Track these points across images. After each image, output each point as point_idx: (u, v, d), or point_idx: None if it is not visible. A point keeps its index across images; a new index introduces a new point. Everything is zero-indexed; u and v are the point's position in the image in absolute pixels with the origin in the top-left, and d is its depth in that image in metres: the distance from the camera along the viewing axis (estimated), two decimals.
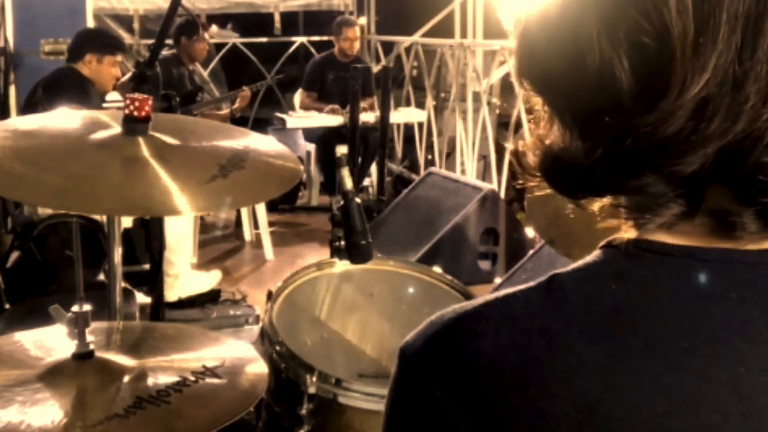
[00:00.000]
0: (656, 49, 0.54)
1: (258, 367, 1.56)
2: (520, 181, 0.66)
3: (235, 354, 1.61)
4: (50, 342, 1.55)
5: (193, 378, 1.47)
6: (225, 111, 5.71)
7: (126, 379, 1.46)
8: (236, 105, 5.68)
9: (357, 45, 6.41)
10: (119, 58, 4.22)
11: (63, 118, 1.87)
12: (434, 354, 0.60)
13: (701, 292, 0.58)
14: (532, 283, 0.61)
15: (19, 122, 1.86)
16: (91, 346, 1.47)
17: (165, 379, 1.46)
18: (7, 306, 3.36)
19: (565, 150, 0.60)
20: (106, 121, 1.77)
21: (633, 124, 0.55)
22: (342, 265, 2.15)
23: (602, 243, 0.63)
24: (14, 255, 3.76)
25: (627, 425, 0.55)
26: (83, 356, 1.46)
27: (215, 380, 1.48)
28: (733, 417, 0.54)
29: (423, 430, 0.60)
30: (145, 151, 1.66)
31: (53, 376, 1.44)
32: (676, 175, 0.56)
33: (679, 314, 0.57)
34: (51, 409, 1.35)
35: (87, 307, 1.44)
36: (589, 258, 0.62)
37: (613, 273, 0.60)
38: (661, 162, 0.56)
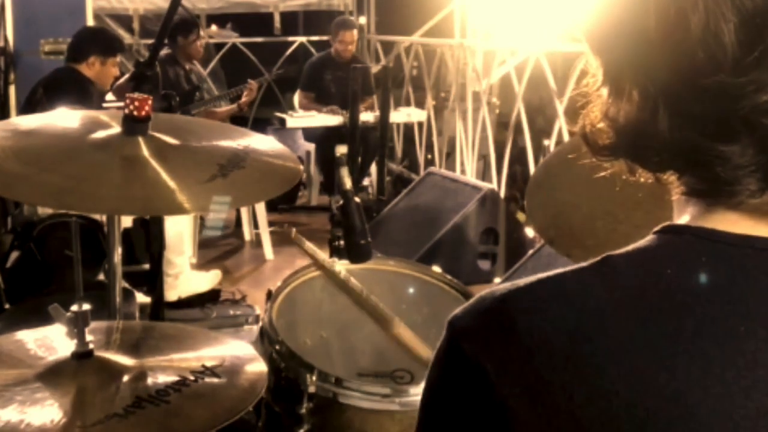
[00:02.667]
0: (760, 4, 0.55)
1: (257, 366, 1.56)
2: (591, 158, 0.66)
3: (235, 353, 1.62)
4: (50, 341, 1.55)
5: (192, 377, 1.47)
6: (231, 107, 5.69)
7: (125, 378, 1.46)
8: (244, 99, 5.65)
9: (352, 48, 6.35)
10: (119, 58, 4.22)
11: (63, 118, 1.87)
12: (484, 329, 0.61)
13: (758, 280, 0.58)
14: (584, 264, 0.61)
15: (19, 122, 1.86)
16: (91, 346, 1.47)
17: (164, 378, 1.46)
18: (7, 306, 3.36)
19: (645, 123, 0.60)
20: (106, 121, 1.78)
21: (738, 82, 0.55)
22: (342, 265, 2.15)
23: (657, 228, 0.63)
24: (14, 255, 3.76)
25: (680, 405, 0.55)
26: (83, 355, 1.46)
27: (214, 380, 1.48)
28: None
29: (467, 403, 0.60)
30: (145, 150, 1.66)
31: (53, 375, 1.44)
32: None
33: (734, 300, 0.57)
34: (50, 409, 1.35)
35: (86, 307, 1.44)
36: (644, 242, 0.62)
37: (668, 257, 0.60)
38: (760, 122, 0.56)
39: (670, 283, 0.58)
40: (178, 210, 1.61)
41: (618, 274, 0.60)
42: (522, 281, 0.62)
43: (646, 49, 0.59)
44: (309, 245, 1.86)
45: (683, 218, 0.63)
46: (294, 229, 1.90)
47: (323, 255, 1.91)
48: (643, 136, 0.61)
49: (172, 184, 1.56)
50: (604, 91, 0.65)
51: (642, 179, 0.65)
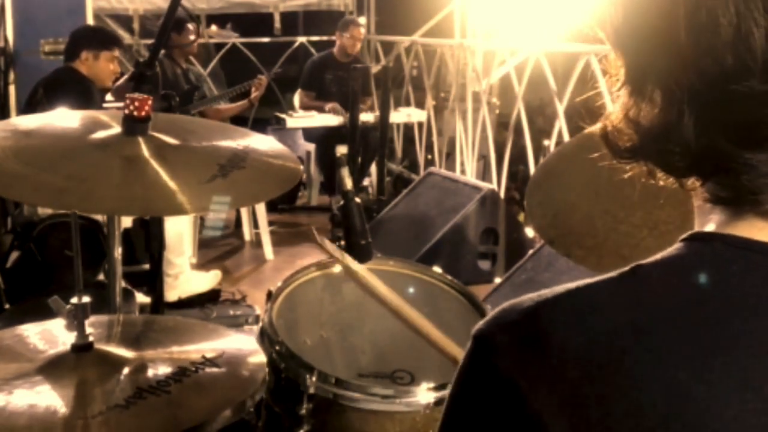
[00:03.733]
0: None
1: (257, 357, 1.57)
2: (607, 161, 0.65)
3: (234, 345, 1.62)
4: (50, 335, 1.56)
5: (192, 368, 1.48)
6: (240, 104, 5.65)
7: (126, 370, 1.46)
8: (254, 94, 5.61)
9: (359, 45, 6.42)
10: (116, 53, 4.18)
11: (63, 118, 1.87)
12: (516, 343, 0.59)
13: None
14: (613, 274, 0.60)
15: (19, 122, 1.86)
16: (91, 338, 1.47)
17: (165, 369, 1.47)
18: (7, 306, 3.36)
19: (669, 127, 0.59)
20: (106, 121, 1.78)
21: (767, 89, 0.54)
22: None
23: (684, 236, 0.62)
24: (14, 255, 3.77)
25: (717, 418, 0.54)
26: (82, 348, 1.46)
27: (214, 370, 1.49)
28: None
29: (498, 418, 0.59)
30: (145, 150, 1.66)
31: (53, 368, 1.44)
32: None
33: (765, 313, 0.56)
34: (52, 401, 1.35)
35: (86, 299, 1.45)
36: (672, 250, 0.61)
37: (700, 266, 0.59)
38: None
39: (704, 294, 0.57)
40: (178, 210, 1.61)
41: (650, 285, 0.59)
42: (548, 292, 0.61)
43: (674, 52, 0.58)
44: (330, 245, 1.85)
45: (708, 225, 0.62)
46: (313, 229, 1.88)
47: (344, 255, 1.89)
48: (667, 140, 0.59)
49: (172, 184, 1.56)
50: (625, 92, 0.63)
51: (661, 182, 0.64)
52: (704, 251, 0.60)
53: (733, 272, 0.58)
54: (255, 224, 5.36)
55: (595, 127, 0.67)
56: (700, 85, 0.57)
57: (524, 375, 0.57)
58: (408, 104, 6.86)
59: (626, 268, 0.60)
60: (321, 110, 6.15)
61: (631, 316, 0.58)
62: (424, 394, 1.83)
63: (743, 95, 0.55)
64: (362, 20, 7.84)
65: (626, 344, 0.56)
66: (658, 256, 0.61)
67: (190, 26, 5.38)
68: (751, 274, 0.57)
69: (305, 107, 6.30)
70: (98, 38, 4.15)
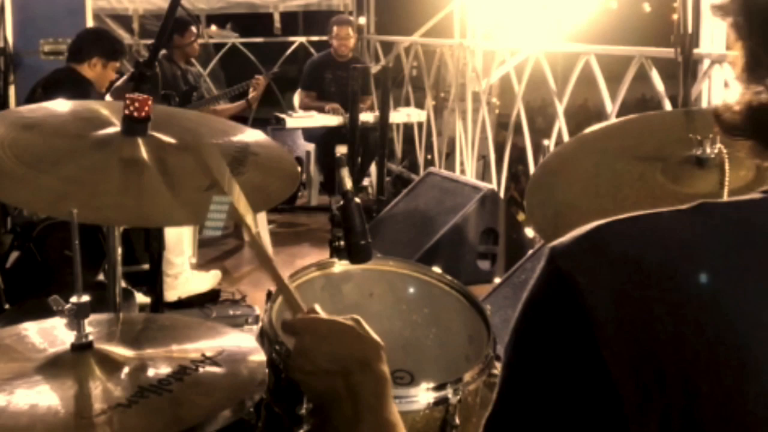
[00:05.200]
0: None
1: (257, 355, 1.57)
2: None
3: (234, 343, 1.62)
4: (49, 334, 1.56)
5: (193, 366, 1.48)
6: (238, 104, 5.63)
7: (126, 369, 1.46)
8: (252, 94, 5.58)
9: (349, 44, 6.37)
10: (118, 63, 4.24)
11: (63, 110, 1.87)
12: (579, 248, 0.66)
13: None
14: (680, 206, 0.66)
15: (19, 113, 1.85)
16: (90, 337, 1.47)
17: (165, 368, 1.47)
18: (7, 306, 3.36)
19: None
20: (106, 117, 1.77)
21: None
22: (342, 266, 2.15)
23: (761, 189, 0.68)
24: (14, 255, 3.76)
25: (749, 331, 0.59)
26: (82, 347, 1.46)
27: (215, 368, 1.49)
28: None
29: (558, 313, 0.65)
30: (144, 153, 1.66)
31: (53, 367, 1.44)
32: None
33: None
34: (53, 401, 1.35)
35: (85, 298, 1.45)
36: (744, 196, 0.67)
37: (760, 209, 0.66)
38: None
39: (758, 226, 0.64)
40: (178, 222, 1.60)
41: (711, 214, 0.66)
42: (617, 216, 0.67)
43: None
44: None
45: None
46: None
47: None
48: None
49: (172, 194, 1.56)
50: (741, 78, 0.70)
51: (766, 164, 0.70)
52: None
53: None
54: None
55: (710, 108, 0.75)
56: None
57: (583, 275, 0.64)
58: (408, 104, 6.86)
59: (693, 203, 0.67)
60: (321, 110, 6.15)
61: (690, 236, 0.64)
62: (424, 394, 1.82)
63: None
64: (362, 20, 7.85)
65: (680, 259, 0.63)
66: (730, 198, 0.68)
67: (194, 29, 5.39)
68: None
69: (306, 108, 6.29)
70: (111, 47, 4.19)
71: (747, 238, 0.63)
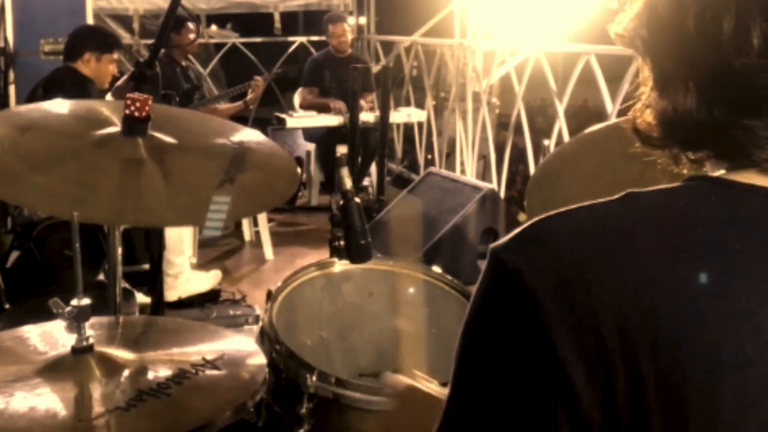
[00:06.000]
0: None
1: (257, 359, 1.57)
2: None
3: (235, 346, 1.62)
4: (50, 336, 1.56)
5: (193, 370, 1.48)
6: (236, 105, 5.63)
7: (126, 372, 1.46)
8: (250, 96, 5.58)
9: (346, 40, 6.36)
10: (116, 55, 4.20)
11: (63, 111, 1.87)
12: (520, 241, 0.71)
13: (755, 213, 0.69)
14: (613, 197, 0.73)
15: (19, 113, 1.85)
16: (91, 340, 1.47)
17: (165, 371, 1.47)
18: (7, 306, 3.36)
19: (682, 110, 0.71)
20: (107, 117, 1.77)
21: (761, 65, 0.67)
22: (342, 265, 2.15)
23: (683, 179, 0.74)
24: (14, 255, 3.76)
25: (679, 298, 0.65)
26: (82, 350, 1.46)
27: (215, 372, 1.49)
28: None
29: (506, 303, 0.70)
30: (144, 153, 1.66)
31: (53, 370, 1.44)
32: None
33: (734, 225, 0.68)
34: (52, 404, 1.35)
35: (86, 301, 1.45)
36: (666, 185, 0.73)
37: (683, 194, 0.71)
38: None
39: (682, 210, 0.70)
40: (176, 222, 1.60)
41: (638, 201, 0.72)
42: (555, 210, 0.73)
43: (685, 50, 0.71)
44: None
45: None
46: None
47: None
48: (681, 121, 0.71)
49: (177, 194, 1.56)
50: (653, 91, 0.75)
51: (684, 170, 0.76)
52: (690, 185, 0.72)
53: (709, 199, 0.70)
54: (255, 224, 5.36)
55: (622, 121, 0.81)
56: (707, 72, 0.69)
57: (524, 263, 0.69)
58: (408, 104, 6.86)
59: (621, 193, 0.73)
60: (324, 107, 6.13)
61: (618, 222, 0.70)
62: None
63: (739, 70, 0.68)
64: (362, 20, 7.85)
65: (611, 242, 0.69)
66: (652, 187, 0.73)
67: (191, 25, 5.37)
68: (725, 201, 0.70)
69: (308, 105, 6.28)
70: (101, 40, 4.15)
71: (672, 221, 0.69)
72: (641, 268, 0.67)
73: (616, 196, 0.73)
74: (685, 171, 0.76)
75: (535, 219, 0.72)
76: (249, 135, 2.01)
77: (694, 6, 0.70)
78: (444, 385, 1.81)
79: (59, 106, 1.99)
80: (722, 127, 0.70)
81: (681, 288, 0.66)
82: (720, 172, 0.73)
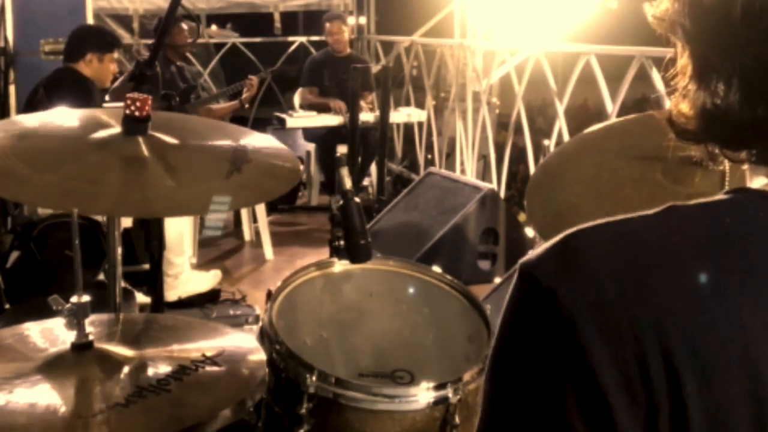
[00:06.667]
0: None
1: (256, 355, 1.57)
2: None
3: (234, 343, 1.62)
4: (50, 333, 1.56)
5: (192, 366, 1.48)
6: (232, 104, 5.63)
7: (126, 369, 1.46)
8: (245, 95, 5.59)
9: (343, 38, 6.34)
10: (116, 54, 4.21)
11: (63, 117, 1.87)
12: (554, 258, 0.67)
13: None
14: (650, 211, 0.68)
15: (20, 120, 1.86)
16: (91, 337, 1.47)
17: (165, 368, 1.47)
18: (7, 306, 3.36)
19: (726, 105, 0.66)
20: (106, 121, 1.78)
21: None
22: (342, 265, 2.15)
23: (725, 190, 0.69)
24: (14, 255, 3.76)
25: (729, 327, 0.61)
26: (82, 347, 1.46)
27: (215, 368, 1.49)
28: None
29: (540, 323, 0.66)
30: (146, 151, 1.66)
31: (53, 367, 1.44)
32: None
33: None
34: (52, 400, 1.35)
35: (86, 298, 1.45)
36: (711, 197, 0.69)
37: (729, 209, 0.67)
38: None
39: (729, 230, 0.65)
40: (180, 211, 1.60)
41: (681, 218, 0.67)
42: (590, 222, 0.68)
43: (730, 40, 0.66)
44: None
45: (754, 184, 0.70)
46: None
47: None
48: (725, 118, 0.67)
49: (173, 184, 1.56)
50: (692, 82, 0.70)
51: (720, 167, 0.73)
52: (736, 199, 0.68)
53: (758, 216, 0.66)
54: (255, 223, 5.37)
55: (661, 114, 0.75)
56: (750, 65, 0.65)
57: (560, 284, 0.65)
58: (408, 104, 6.86)
59: (663, 206, 0.68)
60: (324, 107, 6.14)
61: (659, 242, 0.66)
62: (424, 394, 1.83)
63: None
64: (362, 20, 7.85)
65: (652, 259, 0.64)
66: (696, 200, 0.68)
67: (184, 25, 5.37)
68: None
69: (308, 104, 6.28)
70: (102, 40, 4.16)
71: (719, 240, 0.65)
72: (687, 290, 0.62)
73: (655, 210, 0.68)
74: (720, 168, 0.73)
75: (567, 232, 0.68)
76: (249, 136, 2.01)
77: None
78: (444, 385, 1.81)
79: (57, 114, 1.99)
80: (766, 129, 0.66)
81: (731, 316, 0.62)
82: (762, 182, 0.68)
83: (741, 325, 0.61)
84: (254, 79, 5.62)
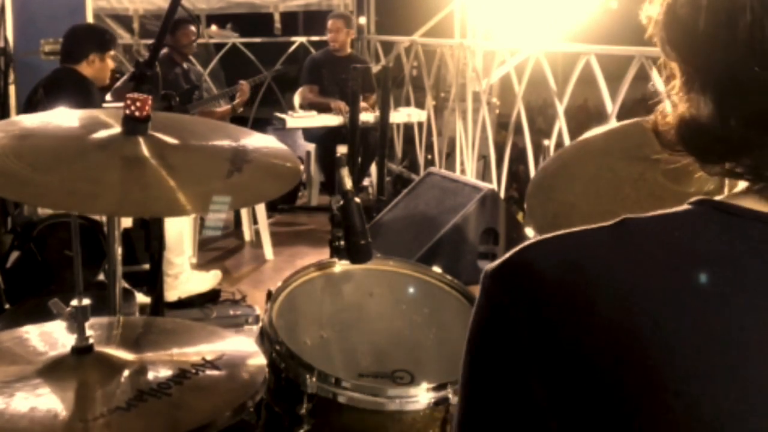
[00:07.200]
0: None
1: (257, 359, 1.57)
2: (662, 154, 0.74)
3: (234, 347, 1.62)
4: (50, 337, 1.56)
5: (193, 370, 1.48)
6: (225, 108, 5.66)
7: (126, 372, 1.46)
8: (237, 100, 5.61)
9: (338, 38, 6.33)
10: (113, 52, 4.22)
11: (63, 118, 1.87)
12: (505, 269, 0.70)
13: (757, 249, 0.64)
14: (604, 223, 0.69)
15: (20, 121, 1.86)
16: (91, 340, 1.47)
17: (165, 371, 1.47)
18: (7, 306, 3.36)
19: (701, 117, 0.67)
20: (106, 121, 1.78)
21: None
22: (342, 265, 2.15)
23: (689, 200, 0.70)
24: (14, 255, 3.76)
25: (662, 348, 0.62)
26: (83, 350, 1.46)
27: (215, 372, 1.49)
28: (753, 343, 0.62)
29: (493, 331, 0.70)
30: (146, 150, 1.66)
31: (53, 370, 1.44)
32: None
33: (729, 263, 0.64)
34: (52, 404, 1.35)
35: (86, 301, 1.45)
36: (670, 210, 0.69)
37: (682, 223, 0.67)
38: None
39: (675, 243, 0.66)
40: (181, 211, 1.60)
41: (631, 231, 0.68)
42: (547, 235, 0.71)
43: (701, 50, 0.66)
44: None
45: (721, 197, 0.70)
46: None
47: None
48: (700, 131, 0.67)
49: (174, 184, 1.56)
50: (678, 92, 0.71)
51: (706, 174, 0.71)
52: (692, 211, 0.68)
53: (708, 229, 0.66)
54: (255, 224, 5.36)
55: (645, 121, 0.76)
56: (720, 76, 0.65)
57: (506, 292, 0.69)
58: (408, 104, 6.85)
59: (617, 219, 0.69)
60: (325, 107, 6.13)
61: (607, 254, 0.67)
62: (424, 394, 1.83)
63: (756, 78, 0.63)
64: (362, 20, 7.85)
65: (592, 280, 0.66)
66: (653, 212, 0.69)
67: (192, 27, 5.38)
68: (726, 233, 0.65)
69: (308, 103, 6.28)
70: (102, 39, 4.16)
71: (664, 254, 0.65)
72: (623, 310, 0.63)
73: (610, 223, 0.69)
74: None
75: (525, 244, 0.71)
76: (249, 136, 2.01)
77: (708, 5, 0.65)
78: (444, 385, 1.81)
79: (57, 114, 1.99)
80: (738, 142, 0.65)
81: (665, 336, 0.62)
82: (729, 194, 0.69)
83: (673, 350, 0.62)
84: (245, 85, 5.64)
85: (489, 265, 0.72)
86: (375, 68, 6.83)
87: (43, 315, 1.56)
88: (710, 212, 0.67)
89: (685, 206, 0.69)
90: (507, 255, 0.71)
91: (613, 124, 2.68)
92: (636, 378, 0.62)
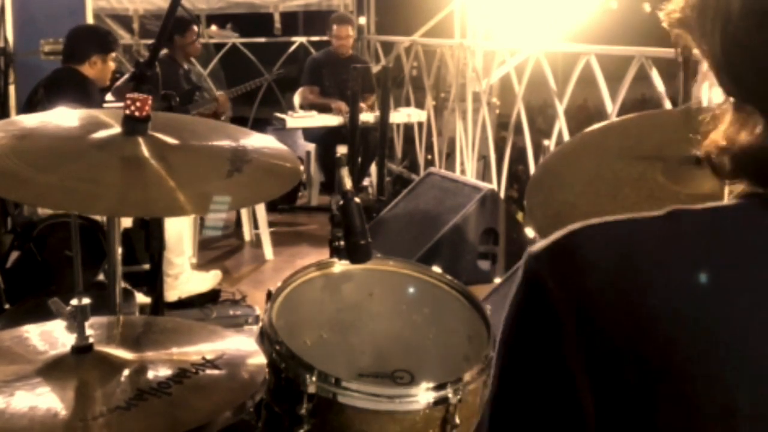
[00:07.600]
0: None
1: (257, 359, 1.57)
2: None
3: (235, 346, 1.62)
4: (50, 336, 1.56)
5: (193, 369, 1.48)
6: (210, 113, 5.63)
7: (126, 372, 1.46)
8: (218, 111, 5.47)
9: (347, 44, 6.33)
10: (114, 53, 4.23)
11: (63, 118, 1.87)
12: (551, 252, 0.69)
13: None
14: (654, 212, 0.69)
15: (20, 120, 1.86)
16: (91, 340, 1.47)
17: (165, 371, 1.47)
18: (7, 306, 3.36)
19: (756, 143, 0.65)
20: (106, 121, 1.78)
21: None
22: (342, 265, 2.15)
23: (736, 194, 0.69)
24: (14, 255, 3.76)
25: (706, 336, 0.62)
26: (82, 350, 1.46)
27: (215, 371, 1.49)
28: None
29: (533, 315, 0.69)
30: (145, 151, 1.66)
31: (53, 370, 1.44)
32: None
33: None
34: (52, 403, 1.35)
35: (86, 301, 1.45)
36: (717, 203, 0.69)
37: (731, 214, 0.67)
38: None
39: (725, 236, 0.66)
40: (180, 211, 1.61)
41: (680, 222, 0.67)
42: (597, 219, 0.70)
43: (762, 77, 0.64)
44: None
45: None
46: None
47: None
48: (755, 156, 0.66)
49: (174, 184, 1.56)
50: (729, 116, 0.69)
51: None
52: (741, 204, 0.67)
53: (759, 224, 0.65)
54: (255, 224, 5.36)
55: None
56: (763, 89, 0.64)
57: (552, 276, 0.68)
58: (408, 104, 6.85)
59: (666, 209, 0.69)
60: (325, 107, 6.13)
61: (656, 244, 0.66)
62: (424, 394, 1.83)
63: None
64: (362, 20, 7.84)
65: (642, 268, 0.65)
66: (702, 204, 0.69)
67: (195, 28, 5.39)
68: None
69: (309, 104, 6.27)
70: (104, 41, 4.17)
71: (714, 244, 0.65)
72: (668, 300, 0.63)
73: (661, 213, 0.68)
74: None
75: (572, 228, 0.69)
76: (249, 136, 2.01)
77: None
78: (444, 385, 1.81)
79: (57, 114, 1.99)
80: None
81: (714, 327, 0.62)
82: None
83: (741, 326, 0.62)
84: (223, 95, 5.61)
85: (534, 246, 0.71)
86: (375, 68, 6.83)
87: (43, 315, 1.56)
88: (759, 206, 0.66)
89: (732, 201, 0.68)
90: (554, 237, 0.70)
91: (611, 120, 2.69)
92: (699, 378, 0.62)
